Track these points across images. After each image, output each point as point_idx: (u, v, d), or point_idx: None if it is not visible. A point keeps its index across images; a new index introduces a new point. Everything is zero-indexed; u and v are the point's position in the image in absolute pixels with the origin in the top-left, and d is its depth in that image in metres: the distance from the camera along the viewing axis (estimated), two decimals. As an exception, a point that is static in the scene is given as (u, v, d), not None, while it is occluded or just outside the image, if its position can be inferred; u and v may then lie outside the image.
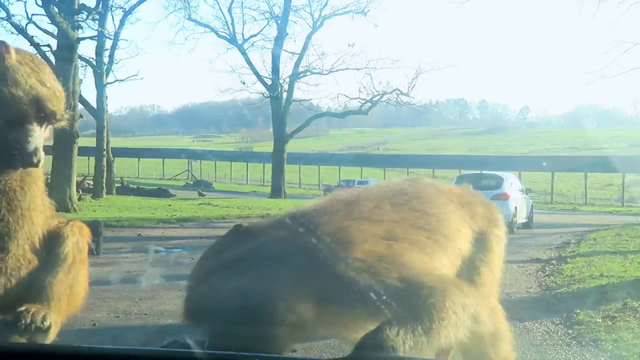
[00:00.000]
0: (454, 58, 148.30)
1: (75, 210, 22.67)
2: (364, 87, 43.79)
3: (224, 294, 2.61)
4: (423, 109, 51.55)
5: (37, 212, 2.97)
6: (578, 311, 7.86)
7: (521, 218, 23.05)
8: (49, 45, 25.00)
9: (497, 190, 21.67)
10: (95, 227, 11.57)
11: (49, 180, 24.94)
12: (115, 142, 61.09)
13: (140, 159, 63.12)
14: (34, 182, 2.95)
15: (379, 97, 43.29)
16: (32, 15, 26.98)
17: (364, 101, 43.88)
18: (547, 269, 12.32)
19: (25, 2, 27.39)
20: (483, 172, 26.88)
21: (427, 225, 3.24)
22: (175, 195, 36.89)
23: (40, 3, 23.78)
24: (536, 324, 7.44)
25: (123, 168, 55.27)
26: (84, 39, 25.65)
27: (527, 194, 25.12)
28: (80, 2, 24.11)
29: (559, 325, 7.38)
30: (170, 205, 28.23)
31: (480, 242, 3.53)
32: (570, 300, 8.97)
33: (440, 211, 3.40)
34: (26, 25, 26.62)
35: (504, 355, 3.13)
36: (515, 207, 22.10)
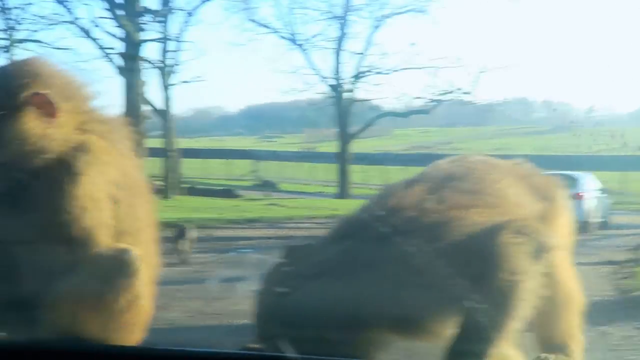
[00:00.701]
0: (517, 56, 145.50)
1: (146, 210, 22.89)
2: (427, 86, 43.36)
3: (315, 300, 2.60)
4: (487, 107, 50.84)
5: None
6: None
7: (597, 218, 22.57)
8: (114, 48, 25.37)
9: (571, 190, 20.56)
10: (180, 231, 12.15)
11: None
12: (183, 143, 61.95)
13: (207, 160, 63.50)
14: None
15: (442, 96, 42.80)
16: (98, 18, 27.47)
17: (427, 100, 43.45)
18: (622, 271, 12.03)
19: (91, 6, 27.37)
20: (556, 172, 26.41)
21: (486, 204, 3.19)
22: (242, 195, 37.09)
23: (105, 6, 24.14)
24: (614, 328, 7.26)
25: (190, 169, 55.64)
26: (148, 41, 25.95)
27: (603, 194, 24.68)
28: (144, 5, 24.44)
29: (639, 329, 7.20)
30: (237, 206, 28.41)
31: (545, 211, 3.44)
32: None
33: (496, 187, 3.32)
34: (92, 28, 27.08)
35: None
36: (590, 207, 21.74)
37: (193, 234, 12.64)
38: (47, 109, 3.11)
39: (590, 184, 23.70)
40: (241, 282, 9.80)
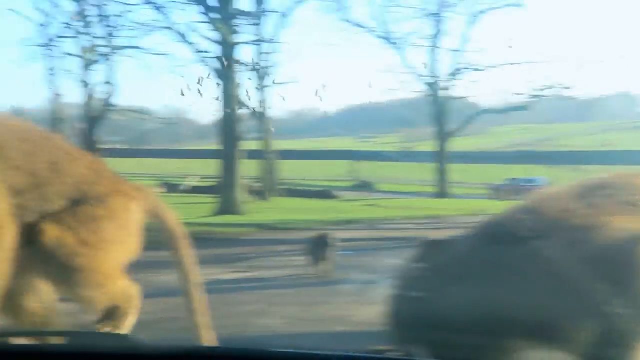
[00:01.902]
0: (619, 48, 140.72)
1: (244, 213, 23.00)
2: (526, 82, 42.38)
3: (455, 303, 2.47)
4: (588, 103, 49.24)
5: None
6: None
7: None
8: (210, 52, 25.59)
9: None
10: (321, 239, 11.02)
11: (219, 184, 25.65)
12: (279, 145, 62.43)
13: (305, 161, 63.74)
14: None
15: (541, 92, 41.67)
16: (194, 23, 27.81)
17: (526, 97, 42.39)
18: None
19: (187, 11, 27.78)
20: None
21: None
22: (339, 196, 36.95)
23: (200, 10, 24.33)
24: None
25: (288, 170, 55.98)
26: (243, 43, 26.08)
27: None
28: (239, 8, 24.54)
29: None
30: (335, 207, 28.26)
31: None
32: None
33: None
34: (189, 33, 27.46)
35: None
36: None
37: (335, 242, 11.04)
38: None
39: None
40: (338, 285, 9.56)
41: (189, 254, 4.31)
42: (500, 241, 2.94)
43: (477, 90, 70.33)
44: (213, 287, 9.47)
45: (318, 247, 10.71)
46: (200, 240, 15.57)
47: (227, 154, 23.91)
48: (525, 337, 2.87)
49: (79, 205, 3.72)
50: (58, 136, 4.13)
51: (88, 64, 35.50)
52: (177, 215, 4.52)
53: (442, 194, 39.74)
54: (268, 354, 2.17)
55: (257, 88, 36.38)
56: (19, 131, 3.82)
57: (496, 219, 3.37)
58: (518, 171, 50.94)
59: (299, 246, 14.81)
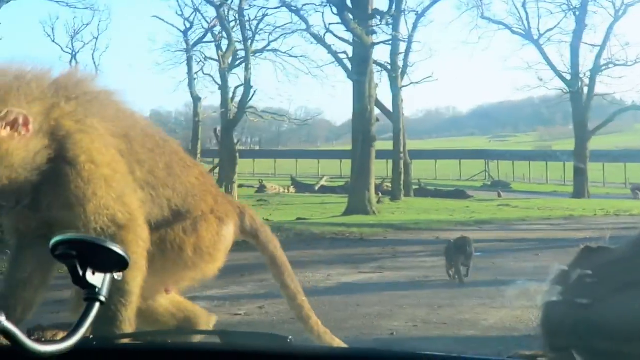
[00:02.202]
0: None
1: (374, 212, 22.97)
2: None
3: (622, 312, 2.33)
4: None
5: None
6: None
7: None
8: (345, 53, 25.65)
9: None
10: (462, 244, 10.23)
11: (350, 184, 25.73)
12: (412, 144, 62.04)
13: (437, 161, 63.28)
14: None
15: (690, 86, 39.63)
16: (330, 24, 28.03)
17: (674, 92, 40.41)
18: None
19: (322, 13, 27.94)
20: None
21: None
22: (472, 196, 36.37)
23: (335, 11, 24.41)
24: None
25: (420, 170, 55.73)
26: (378, 43, 26.04)
27: None
28: (374, 7, 24.48)
29: None
30: (468, 207, 27.79)
31: None
32: None
33: None
34: (324, 34, 27.68)
35: None
36: None
37: (471, 247, 10.26)
38: (16, 124, 2.99)
39: None
40: (468, 287, 9.30)
41: (289, 276, 4.16)
42: None
43: (621, 86, 68.22)
44: (340, 288, 9.45)
45: (457, 250, 10.10)
46: (330, 240, 15.69)
47: (359, 154, 23.91)
48: None
49: (181, 218, 3.70)
50: (173, 140, 4.08)
51: (227, 68, 36.48)
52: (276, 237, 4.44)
53: (580, 194, 38.38)
54: (401, 355, 2.03)
55: (392, 88, 36.40)
56: (144, 125, 3.84)
57: None
58: (663, 170, 48.70)
59: (429, 247, 14.62)
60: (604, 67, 41.34)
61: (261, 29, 37.41)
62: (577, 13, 40.89)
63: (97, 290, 1.64)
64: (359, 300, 8.36)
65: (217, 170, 42.85)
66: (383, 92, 36.59)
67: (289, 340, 2.02)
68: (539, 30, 41.79)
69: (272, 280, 10.05)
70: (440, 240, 15.95)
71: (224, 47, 37.26)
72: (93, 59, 63.81)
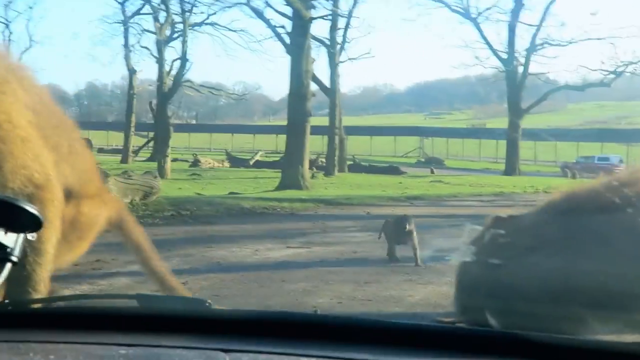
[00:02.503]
0: None
1: (307, 188, 22.87)
2: (607, 58, 41.14)
3: (529, 273, 2.41)
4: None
5: None
6: None
7: None
8: (283, 27, 25.38)
9: None
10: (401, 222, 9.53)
11: (284, 159, 25.53)
12: (349, 120, 61.97)
13: (373, 137, 63.57)
14: None
15: (623, 67, 40.35)
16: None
17: (607, 73, 41.08)
18: None
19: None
20: None
21: None
22: (406, 172, 36.54)
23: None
24: None
25: (356, 146, 55.88)
26: (316, 18, 25.83)
27: None
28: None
29: None
30: (401, 183, 27.89)
31: None
32: None
33: None
34: (264, 8, 27.40)
35: None
36: None
37: (411, 225, 9.37)
38: None
39: None
40: (396, 264, 9.26)
41: (155, 262, 4.26)
42: (582, 212, 2.85)
43: (555, 66, 69.23)
44: (267, 264, 9.32)
45: (397, 229, 9.44)
46: (260, 214, 15.53)
47: (294, 130, 23.74)
48: (597, 306, 2.73)
49: (72, 194, 3.67)
50: (72, 121, 4.10)
51: (163, 41, 35.84)
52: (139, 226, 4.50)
53: (511, 171, 38.96)
54: (334, 320, 2.01)
55: (329, 64, 36.29)
56: (49, 102, 3.79)
57: (575, 192, 3.25)
58: (592, 149, 49.68)
59: (359, 222, 14.60)
60: (539, 47, 41.84)
61: (200, 2, 37.00)
62: (516, -8, 41.13)
63: (8, 250, 1.62)
64: (285, 276, 8.24)
65: (151, 143, 42.39)
66: (321, 68, 36.65)
67: (207, 304, 2.04)
68: (477, 9, 42.31)
69: (197, 255, 9.84)
70: (371, 215, 15.95)
71: (162, 20, 36.64)
72: (27, 29, 62.26)
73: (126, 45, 40.08)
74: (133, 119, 41.74)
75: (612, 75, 40.95)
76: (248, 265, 9.02)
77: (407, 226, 9.32)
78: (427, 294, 7.45)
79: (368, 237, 12.03)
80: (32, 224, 1.62)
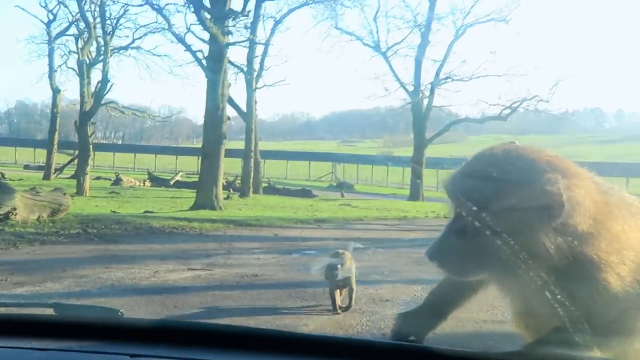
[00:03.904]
0: (592, 66, 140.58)
1: (220, 208, 22.00)
2: (504, 94, 41.75)
3: None
4: (560, 116, 48.54)
5: None
6: None
7: None
8: (201, 51, 24.57)
9: None
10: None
11: (199, 180, 24.58)
12: (268, 145, 61.29)
13: (289, 161, 63.12)
14: None
15: (518, 103, 40.86)
16: (191, 25, 26.96)
17: (503, 107, 41.54)
18: None
19: (185, 14, 26.90)
20: None
21: None
22: (318, 195, 35.95)
23: (195, 11, 23.28)
24: None
25: (273, 170, 55.27)
26: (232, 43, 25.04)
27: None
28: (229, 7, 23.48)
29: None
30: (312, 205, 27.25)
31: None
32: None
33: None
34: (185, 34, 26.68)
35: None
36: None
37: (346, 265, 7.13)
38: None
39: None
40: (293, 289, 8.51)
41: None
42: None
43: (457, 99, 70.59)
44: (163, 286, 8.38)
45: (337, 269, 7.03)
46: (168, 234, 14.55)
47: (209, 152, 22.86)
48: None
49: None
50: None
51: (85, 61, 34.50)
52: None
53: (415, 197, 38.91)
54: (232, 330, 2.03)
55: (247, 89, 35.62)
56: None
57: None
58: (489, 178, 50.00)
59: (265, 243, 13.81)
60: (442, 81, 41.93)
61: (123, 26, 35.96)
62: (422, 30, 41.47)
63: None
64: (179, 301, 7.40)
65: (76, 161, 40.75)
66: (239, 94, 36.03)
67: (119, 313, 2.07)
68: (387, 43, 42.44)
69: (93, 276, 8.83)
70: (278, 237, 15.21)
71: (88, 42, 35.28)
72: None
73: (50, 65, 38.61)
74: (56, 137, 40.07)
75: (508, 110, 41.37)
76: (143, 288, 8.12)
77: (340, 269, 7.00)
78: (322, 322, 6.73)
79: (272, 260, 11.28)
80: None
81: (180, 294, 7.88)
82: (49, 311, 2.08)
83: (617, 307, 2.20)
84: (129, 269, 9.37)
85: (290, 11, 37.63)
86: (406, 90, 41.49)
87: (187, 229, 15.32)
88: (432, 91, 41.65)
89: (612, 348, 2.22)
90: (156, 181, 40.80)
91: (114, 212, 19.13)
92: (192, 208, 21.64)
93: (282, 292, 8.22)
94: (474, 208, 2.13)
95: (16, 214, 13.67)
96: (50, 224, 14.05)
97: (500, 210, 2.08)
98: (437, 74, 41.55)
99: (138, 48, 36.03)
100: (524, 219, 2.09)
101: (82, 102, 32.85)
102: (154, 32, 34.89)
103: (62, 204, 15.15)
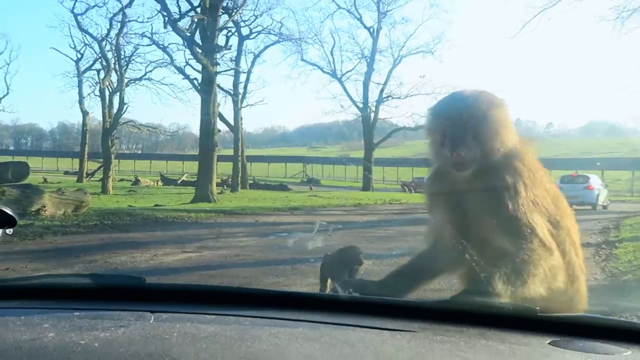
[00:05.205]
0: (500, 84, 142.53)
1: (215, 201, 21.19)
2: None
3: None
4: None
5: None
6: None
7: (602, 202, 24.61)
8: (196, 79, 23.72)
9: (586, 183, 24.04)
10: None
11: (197, 179, 23.69)
12: (253, 152, 60.53)
13: (270, 164, 62.59)
14: None
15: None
16: (189, 59, 26.23)
17: (431, 119, 41.35)
18: (601, 253, 9.63)
19: (184, 51, 26.12)
20: (578, 173, 27.89)
21: None
22: (292, 189, 35.18)
23: (190, 46, 22.43)
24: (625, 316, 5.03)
25: (257, 170, 54.68)
26: (221, 72, 24.27)
27: (605, 187, 26.30)
28: (216, 43, 22.67)
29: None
30: (287, 197, 26.47)
31: None
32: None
33: None
34: (184, 66, 25.94)
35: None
36: (597, 195, 24.00)
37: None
38: None
39: (597, 180, 25.63)
40: (268, 266, 7.79)
41: None
42: None
43: (396, 113, 70.62)
44: (158, 268, 7.52)
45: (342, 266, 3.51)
46: (170, 223, 13.66)
47: (204, 157, 22.08)
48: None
49: None
50: None
51: (112, 91, 33.45)
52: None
53: (367, 188, 38.50)
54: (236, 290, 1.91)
55: (234, 109, 35.04)
56: None
57: None
58: (423, 172, 49.79)
59: (248, 228, 13.00)
60: (385, 99, 41.72)
61: (136, 61, 35.29)
62: (368, 60, 41.35)
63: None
64: (169, 280, 6.63)
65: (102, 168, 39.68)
66: (229, 111, 35.29)
67: (142, 280, 1.89)
68: (341, 71, 42.17)
69: (101, 261, 7.94)
70: (259, 222, 14.42)
71: (110, 75, 34.20)
72: (5, 80, 59.16)
73: (80, 93, 37.39)
74: (86, 149, 38.99)
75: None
76: (140, 270, 7.30)
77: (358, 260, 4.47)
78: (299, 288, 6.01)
79: (252, 242, 10.50)
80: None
81: (172, 275, 7.10)
82: (86, 280, 1.95)
83: (526, 248, 2.05)
84: (132, 254, 8.56)
85: (266, 47, 37.14)
86: (357, 106, 41.35)
87: (186, 218, 14.47)
88: (377, 107, 41.59)
89: (521, 294, 2.00)
90: (167, 181, 39.79)
91: (130, 206, 18.18)
92: (192, 201, 20.77)
93: (258, 270, 7.48)
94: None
95: (45, 210, 12.75)
96: (74, 217, 13.13)
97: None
98: (381, 94, 41.48)
99: (149, 79, 34.94)
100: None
101: (104, 122, 31.92)
102: (161, 66, 33.96)
103: (84, 201, 14.21)
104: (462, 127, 2.14)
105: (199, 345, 1.31)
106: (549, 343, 1.44)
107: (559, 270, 2.10)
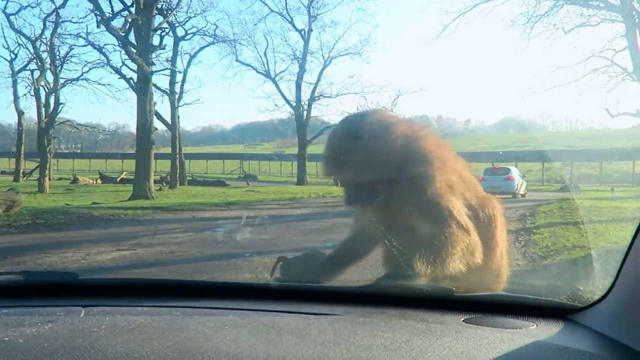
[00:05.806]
0: (422, 83, 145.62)
1: (153, 197, 20.40)
2: (360, 106, 42.09)
3: None
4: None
5: None
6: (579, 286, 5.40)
7: (521, 191, 25.79)
8: (132, 79, 22.76)
9: (507, 175, 25.16)
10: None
11: (134, 177, 22.77)
12: (192, 149, 59.24)
13: (208, 161, 61.48)
14: None
15: (370, 112, 41.17)
16: (125, 59, 25.20)
17: (360, 116, 41.63)
18: (520, 239, 9.74)
19: (120, 51, 24.98)
20: (499, 165, 28.82)
21: None
22: (229, 185, 34.49)
23: (126, 47, 21.46)
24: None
25: (196, 167, 53.54)
26: (156, 72, 23.43)
27: (523, 177, 27.66)
28: (150, 43, 21.80)
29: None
30: (224, 192, 25.87)
31: None
32: (564, 271, 6.48)
33: None
34: (120, 66, 24.87)
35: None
36: (517, 185, 25.08)
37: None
38: None
39: (517, 172, 26.86)
40: (206, 261, 7.39)
41: None
42: None
43: (327, 111, 70.93)
44: (89, 268, 6.98)
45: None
46: (106, 220, 12.93)
47: (141, 154, 21.21)
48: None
49: None
50: None
51: (49, 91, 31.73)
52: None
53: (301, 182, 38.34)
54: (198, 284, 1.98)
55: (171, 108, 34.08)
56: None
57: None
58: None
59: (184, 224, 12.43)
60: (316, 98, 41.53)
61: (71, 62, 33.75)
62: (300, 61, 40.97)
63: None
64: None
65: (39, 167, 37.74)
66: (166, 110, 34.24)
67: (75, 276, 1.85)
68: (275, 71, 41.61)
69: (30, 262, 7.31)
70: (196, 218, 13.86)
71: (46, 75, 32.40)
72: None
73: (15, 93, 35.22)
74: (22, 148, 36.97)
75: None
76: (72, 270, 6.75)
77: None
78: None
79: (188, 238, 10.02)
80: None
81: (104, 273, 6.60)
82: (17, 278, 1.85)
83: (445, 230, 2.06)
84: (64, 253, 7.95)
85: (201, 48, 36.37)
86: (291, 105, 41.07)
87: (122, 216, 13.75)
88: (309, 106, 41.35)
89: (441, 272, 2.01)
90: (106, 179, 38.25)
91: (67, 204, 17.19)
92: (130, 199, 19.89)
93: (192, 266, 7.07)
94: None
95: (-26, 211, 11.80)
96: (5, 217, 12.22)
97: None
98: (312, 93, 41.30)
99: (86, 79, 33.38)
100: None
101: (40, 121, 30.26)
102: (97, 67, 32.53)
103: (16, 200, 13.26)
104: (339, 164, 2.26)
105: (127, 336, 1.27)
106: (463, 320, 1.48)
107: (476, 247, 2.13)
